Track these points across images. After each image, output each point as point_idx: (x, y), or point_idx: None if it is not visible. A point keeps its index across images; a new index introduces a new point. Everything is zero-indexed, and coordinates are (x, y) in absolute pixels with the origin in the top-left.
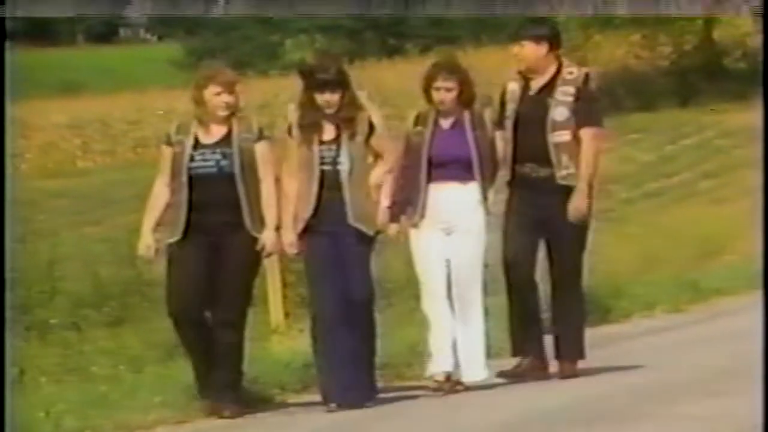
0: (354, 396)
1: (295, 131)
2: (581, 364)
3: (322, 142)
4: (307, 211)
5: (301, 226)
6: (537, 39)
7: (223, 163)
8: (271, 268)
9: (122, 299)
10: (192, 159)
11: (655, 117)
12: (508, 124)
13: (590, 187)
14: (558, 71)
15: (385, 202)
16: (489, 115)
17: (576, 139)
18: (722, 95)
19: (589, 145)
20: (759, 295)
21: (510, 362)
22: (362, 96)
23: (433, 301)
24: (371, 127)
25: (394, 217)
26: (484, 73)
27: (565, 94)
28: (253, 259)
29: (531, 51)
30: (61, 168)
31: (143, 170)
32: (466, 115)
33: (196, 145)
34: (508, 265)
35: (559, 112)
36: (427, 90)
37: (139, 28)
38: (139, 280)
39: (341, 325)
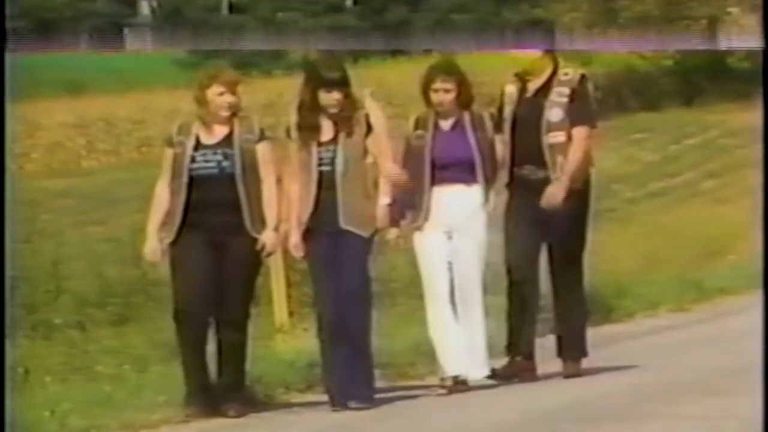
0: (353, 396)
1: (294, 133)
2: (584, 364)
3: (320, 144)
4: (306, 213)
5: (302, 227)
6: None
7: (225, 163)
8: (275, 268)
9: (127, 299)
10: (193, 160)
11: (659, 117)
12: (506, 126)
13: (573, 182)
14: (554, 73)
15: (384, 200)
16: (488, 116)
17: (571, 139)
18: (726, 95)
19: (579, 144)
20: (759, 295)
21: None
22: (366, 94)
23: (437, 305)
24: (369, 127)
25: (393, 221)
26: (488, 74)
27: (560, 95)
28: (255, 259)
29: (527, 53)
30: (66, 168)
31: (148, 170)
32: (466, 116)
33: (197, 145)
34: (510, 268)
35: (554, 113)
36: (425, 92)
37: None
38: (143, 279)
39: (339, 326)
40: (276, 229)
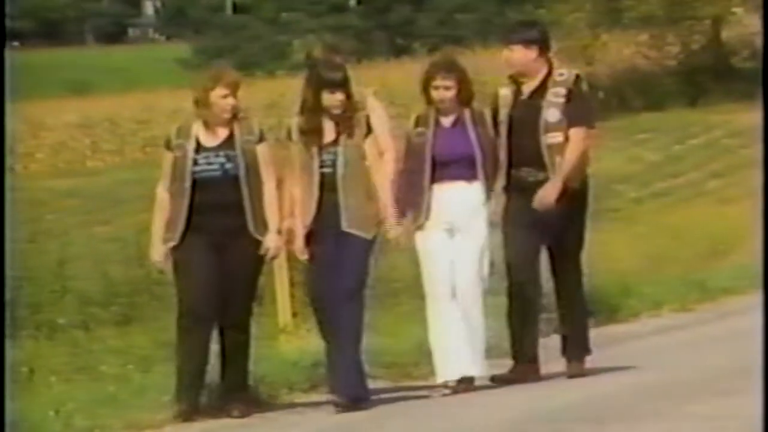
0: (351, 397)
1: (297, 136)
2: (588, 363)
3: (322, 146)
4: (309, 216)
5: (305, 230)
6: (527, 42)
7: (228, 166)
8: (278, 268)
9: (131, 298)
10: (195, 162)
11: (663, 117)
12: (502, 129)
13: (569, 182)
14: (549, 73)
15: (389, 201)
16: (488, 113)
17: (568, 140)
18: (730, 95)
19: (576, 145)
20: (760, 295)
21: (505, 363)
22: (369, 94)
23: (439, 303)
24: (369, 128)
25: (396, 219)
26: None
27: (556, 95)
28: (257, 260)
29: (521, 55)
30: (70, 168)
31: (152, 170)
32: (467, 113)
33: (198, 148)
34: (510, 270)
35: (551, 114)
36: (426, 89)
37: (147, 27)
38: (147, 279)
39: (332, 326)
40: (278, 231)
